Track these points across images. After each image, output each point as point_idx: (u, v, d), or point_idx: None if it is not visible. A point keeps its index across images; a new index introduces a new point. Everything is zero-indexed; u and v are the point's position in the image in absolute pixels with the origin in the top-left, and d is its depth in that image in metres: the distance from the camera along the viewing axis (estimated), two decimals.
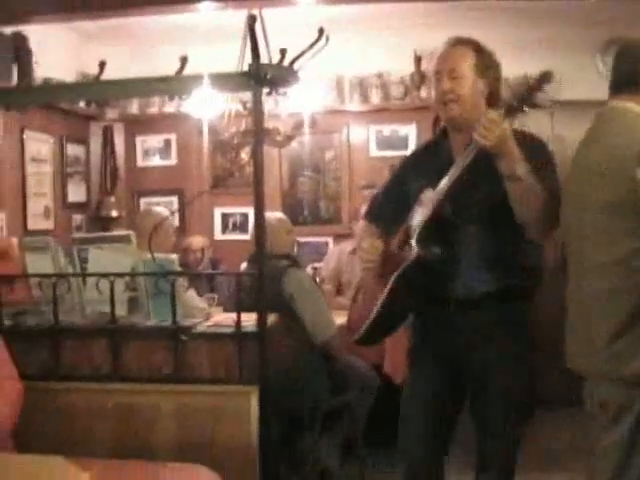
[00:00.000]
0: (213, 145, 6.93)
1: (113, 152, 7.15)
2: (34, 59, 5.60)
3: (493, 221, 2.82)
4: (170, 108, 6.84)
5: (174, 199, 7.14)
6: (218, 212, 7.17)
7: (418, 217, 2.82)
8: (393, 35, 6.45)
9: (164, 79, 3.34)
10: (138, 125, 7.26)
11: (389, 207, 3.12)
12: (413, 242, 2.79)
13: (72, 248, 3.52)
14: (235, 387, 3.23)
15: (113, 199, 7.10)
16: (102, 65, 3.44)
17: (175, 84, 3.37)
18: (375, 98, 6.79)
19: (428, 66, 6.11)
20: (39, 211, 6.18)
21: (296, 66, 3.30)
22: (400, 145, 6.77)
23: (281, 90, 3.42)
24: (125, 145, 7.32)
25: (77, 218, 6.86)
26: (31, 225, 6.00)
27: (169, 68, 3.44)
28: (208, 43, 6.03)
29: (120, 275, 3.35)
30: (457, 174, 2.74)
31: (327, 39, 3.24)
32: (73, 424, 3.30)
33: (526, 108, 2.63)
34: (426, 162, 3.05)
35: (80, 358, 3.41)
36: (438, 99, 2.91)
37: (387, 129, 6.88)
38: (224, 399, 3.23)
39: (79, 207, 6.92)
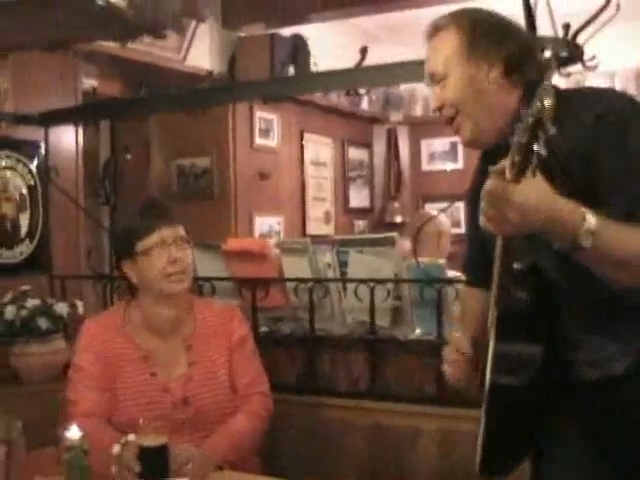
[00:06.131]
0: None
1: (397, 156, 7.08)
2: (312, 61, 5.47)
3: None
4: None
5: (461, 205, 6.74)
6: None
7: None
8: None
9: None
10: (423, 128, 7.08)
11: (479, 259, 2.02)
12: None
13: (332, 251, 3.26)
14: None
15: (397, 204, 7.00)
16: (364, 51, 3.16)
17: None
18: None
19: None
20: (319, 215, 6.11)
21: (581, 40, 2.79)
22: None
23: (563, 71, 2.93)
24: (410, 149, 7.21)
25: (359, 224, 6.75)
26: (310, 230, 5.93)
27: None
28: None
29: (380, 281, 3.04)
30: None
31: (618, 7, 2.71)
32: (325, 441, 3.02)
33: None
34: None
35: (336, 371, 3.17)
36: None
37: None
38: None
39: (361, 212, 6.84)
